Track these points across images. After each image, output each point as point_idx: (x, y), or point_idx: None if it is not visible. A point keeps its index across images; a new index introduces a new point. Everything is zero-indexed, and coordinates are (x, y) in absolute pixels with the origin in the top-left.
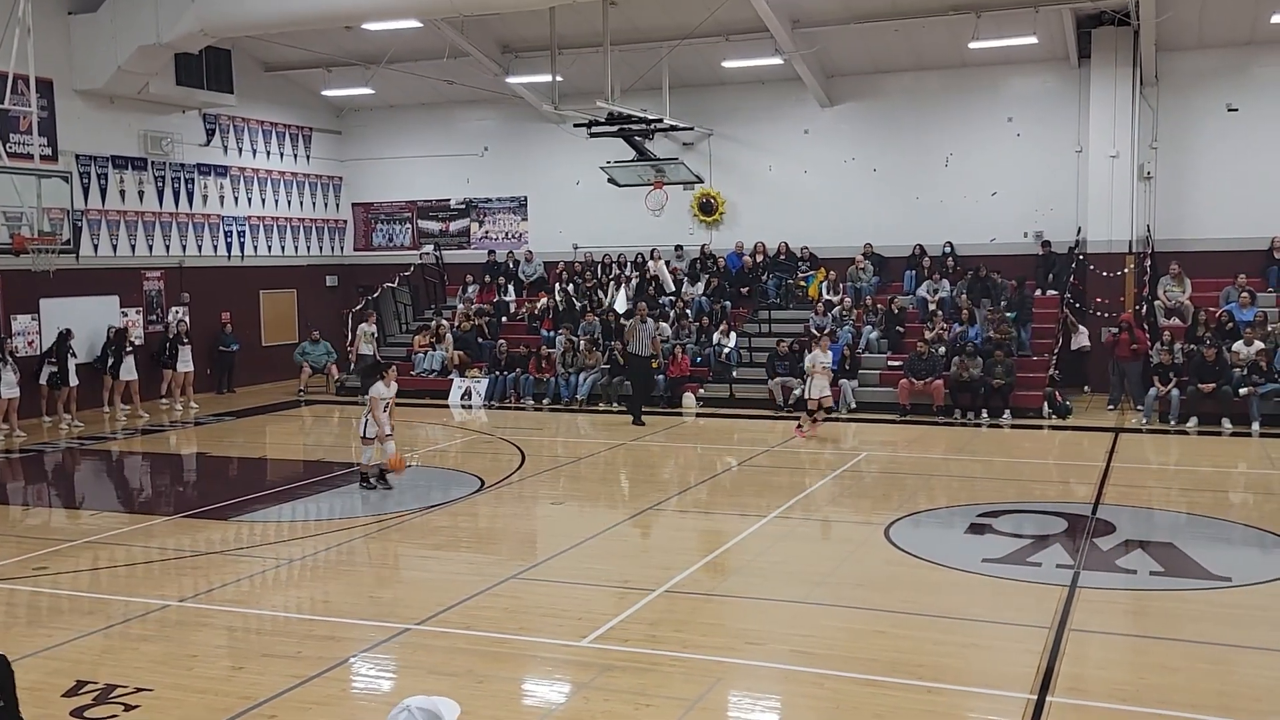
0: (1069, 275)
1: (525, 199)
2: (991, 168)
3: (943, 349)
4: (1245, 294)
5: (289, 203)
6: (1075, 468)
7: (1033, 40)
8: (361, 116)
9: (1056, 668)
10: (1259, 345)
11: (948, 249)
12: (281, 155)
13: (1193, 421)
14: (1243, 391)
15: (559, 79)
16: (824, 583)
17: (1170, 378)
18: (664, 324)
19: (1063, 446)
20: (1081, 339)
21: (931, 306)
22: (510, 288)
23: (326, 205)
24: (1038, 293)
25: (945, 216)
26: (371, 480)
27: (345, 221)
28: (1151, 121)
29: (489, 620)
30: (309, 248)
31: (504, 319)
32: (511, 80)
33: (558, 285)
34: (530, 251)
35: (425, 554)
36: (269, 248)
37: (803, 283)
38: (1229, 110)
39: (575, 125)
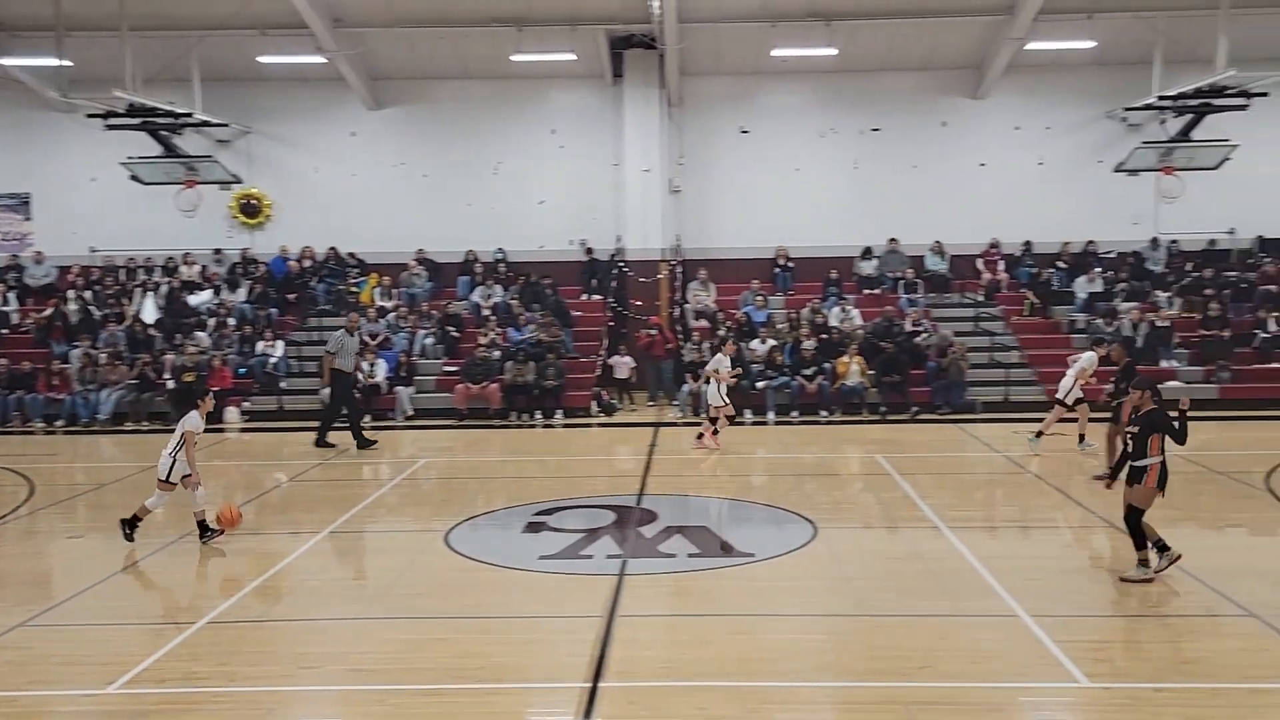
0: (611, 281)
1: (28, 196)
2: (538, 177)
3: (498, 353)
4: (760, 298)
5: None
6: (621, 461)
7: (572, 57)
8: None
9: (607, 654)
10: (772, 343)
11: (500, 255)
12: None
13: None
14: (759, 385)
15: (67, 63)
16: (383, 596)
17: (699, 374)
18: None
19: (610, 442)
20: (623, 370)
21: (485, 312)
22: (11, 296)
23: None
24: (583, 297)
25: (497, 223)
26: (210, 528)
27: None
28: (678, 140)
29: None
30: None
31: (4, 331)
32: (6, 62)
33: (71, 292)
34: (40, 252)
35: None
36: None
37: (354, 288)
38: (741, 132)
39: (89, 115)
